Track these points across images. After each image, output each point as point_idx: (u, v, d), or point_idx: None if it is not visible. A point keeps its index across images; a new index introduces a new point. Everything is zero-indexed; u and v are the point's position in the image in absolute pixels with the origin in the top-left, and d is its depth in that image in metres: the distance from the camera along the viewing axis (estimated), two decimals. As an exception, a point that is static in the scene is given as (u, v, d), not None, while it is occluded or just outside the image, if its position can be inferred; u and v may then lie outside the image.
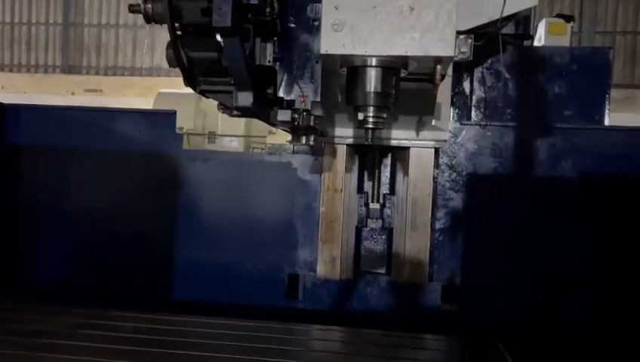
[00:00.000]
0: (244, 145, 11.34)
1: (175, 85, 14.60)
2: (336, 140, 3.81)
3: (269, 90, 2.76)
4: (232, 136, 11.17)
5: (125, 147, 4.29)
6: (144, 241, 4.24)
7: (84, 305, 3.96)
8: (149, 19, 2.40)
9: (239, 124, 10.98)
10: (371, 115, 2.56)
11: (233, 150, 11.10)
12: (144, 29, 16.30)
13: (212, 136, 11.30)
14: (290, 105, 2.70)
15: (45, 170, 4.38)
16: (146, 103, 13.14)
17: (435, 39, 2.36)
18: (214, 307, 4.08)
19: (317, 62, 2.67)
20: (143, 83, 15.49)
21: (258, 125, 11.20)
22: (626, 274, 3.83)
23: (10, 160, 4.36)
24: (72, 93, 15.73)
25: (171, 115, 4.32)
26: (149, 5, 2.37)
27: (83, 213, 4.32)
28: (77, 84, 15.95)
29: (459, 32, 2.52)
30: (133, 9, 2.44)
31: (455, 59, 2.48)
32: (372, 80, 2.51)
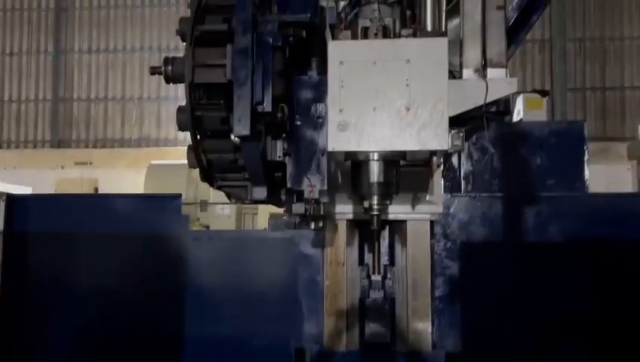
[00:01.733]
0: (236, 211, 11.53)
1: (164, 155, 14.88)
2: (337, 216, 4.01)
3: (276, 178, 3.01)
4: (224, 203, 11.36)
5: (131, 230, 4.42)
6: (152, 321, 4.31)
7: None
8: (169, 80, 2.66)
9: (230, 192, 11.20)
10: (376, 203, 2.81)
11: (225, 217, 11.24)
12: (132, 101, 16.71)
13: (204, 204, 11.48)
14: (298, 194, 2.94)
15: (52, 257, 4.49)
16: (137, 173, 13.33)
17: (430, 135, 2.65)
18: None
19: (323, 155, 2.94)
20: (132, 154, 15.76)
21: (249, 192, 11.47)
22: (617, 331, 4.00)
23: (19, 248, 4.46)
24: (62, 167, 15.92)
25: (176, 198, 4.49)
26: (169, 67, 2.63)
27: (90, 297, 4.39)
28: (67, 157, 16.17)
29: (449, 120, 2.80)
30: (154, 71, 2.70)
31: (449, 151, 2.76)
32: (375, 172, 2.79)
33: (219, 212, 11.38)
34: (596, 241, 4.07)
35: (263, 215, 9.32)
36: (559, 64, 15.68)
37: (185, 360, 4.26)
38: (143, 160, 14.37)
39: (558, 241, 4.11)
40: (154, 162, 12.09)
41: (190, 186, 11.31)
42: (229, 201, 11.53)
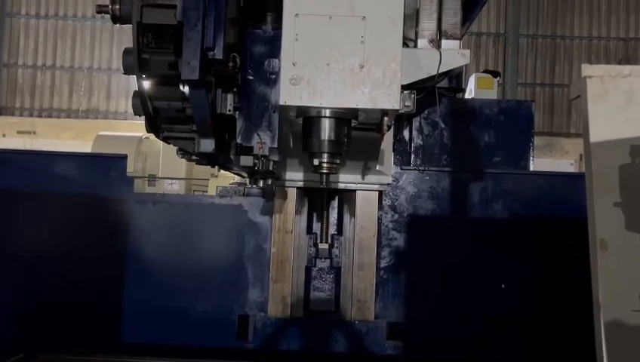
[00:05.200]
0: (185, 188, 11.31)
1: (113, 128, 14.41)
2: (287, 183, 3.99)
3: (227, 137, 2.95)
4: (173, 178, 11.12)
5: (75, 191, 4.28)
6: (94, 285, 4.18)
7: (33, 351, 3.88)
8: (116, 19, 2.55)
9: (180, 166, 10.96)
10: (326, 160, 2.79)
11: (174, 193, 11.00)
12: (82, 71, 16.10)
13: (152, 178, 11.21)
14: (248, 150, 2.88)
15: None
16: (83, 146, 12.88)
17: (382, 94, 2.64)
18: (165, 349, 4.09)
19: (274, 111, 2.90)
20: (79, 125, 15.22)
21: (200, 168, 11.24)
22: (553, 308, 4.15)
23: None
24: (4, 135, 15.24)
25: (122, 158, 4.36)
26: (117, 6, 2.53)
27: (27, 260, 4.21)
28: (9, 125, 15.48)
29: (402, 87, 2.81)
30: (100, 9, 2.59)
31: (400, 111, 2.76)
32: (326, 129, 2.75)
33: (167, 187, 11.13)
34: (538, 217, 4.21)
35: (213, 191, 9.15)
36: (512, 58, 16.11)
37: (126, 326, 4.16)
38: (90, 132, 13.89)
39: (501, 217, 4.22)
40: (102, 133, 11.69)
41: (139, 159, 10.99)
42: (178, 177, 11.14)
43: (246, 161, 2.79)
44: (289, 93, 2.63)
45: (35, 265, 4.18)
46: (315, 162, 2.82)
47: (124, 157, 4.37)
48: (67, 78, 16.24)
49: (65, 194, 4.27)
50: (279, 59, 2.82)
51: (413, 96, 2.81)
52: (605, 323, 1.86)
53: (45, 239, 4.24)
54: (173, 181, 11.20)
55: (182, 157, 3.10)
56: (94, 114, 15.87)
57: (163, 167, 11.19)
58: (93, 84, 16.09)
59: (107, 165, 4.34)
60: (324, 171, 2.83)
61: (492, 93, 4.80)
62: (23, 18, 16.48)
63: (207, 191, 10.80)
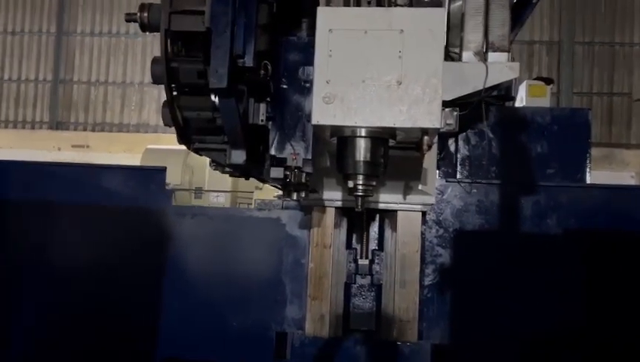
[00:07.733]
0: (231, 200, 11.39)
1: (162, 141, 14.71)
2: (326, 203, 3.82)
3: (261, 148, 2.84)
4: (219, 191, 11.23)
5: (114, 203, 4.26)
6: (132, 299, 4.16)
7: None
8: (145, 27, 2.50)
9: (226, 179, 11.05)
10: (361, 183, 2.60)
11: (219, 205, 11.09)
12: (133, 86, 16.57)
13: (199, 191, 11.36)
14: (281, 162, 2.75)
15: (33, 227, 4.32)
16: (133, 159, 13.18)
17: (422, 112, 2.44)
18: (201, 367, 4.01)
19: (308, 120, 2.75)
20: (129, 139, 15.66)
21: (245, 181, 11.34)
22: (610, 331, 3.83)
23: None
24: (59, 149, 15.84)
25: (161, 171, 4.33)
26: (145, 14, 2.48)
27: (67, 271, 4.23)
28: (64, 139, 16.09)
29: (444, 102, 2.60)
30: (129, 18, 2.54)
31: (441, 130, 2.56)
32: (362, 149, 2.56)
33: (213, 200, 11.25)
34: (594, 234, 3.91)
35: (258, 204, 9.12)
36: (566, 67, 15.52)
37: (162, 340, 4.09)
38: (140, 145, 14.23)
39: (555, 233, 3.95)
40: (150, 146, 11.94)
41: (186, 172, 11.19)
42: (224, 189, 11.29)
43: (276, 173, 2.66)
44: (322, 112, 2.47)
45: (73, 277, 4.19)
46: (350, 184, 2.63)
47: (164, 169, 4.33)
48: (119, 93, 16.77)
49: (104, 206, 4.27)
50: (314, 67, 2.69)
51: (455, 113, 2.61)
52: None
53: (84, 251, 4.25)
54: (219, 193, 11.30)
55: (214, 169, 3.00)
56: (144, 128, 16.30)
57: (209, 180, 11.31)
58: (144, 98, 16.54)
59: (146, 177, 4.31)
60: (360, 194, 2.64)
61: (545, 102, 4.55)
62: (78, 36, 17.14)
63: (252, 204, 10.83)
